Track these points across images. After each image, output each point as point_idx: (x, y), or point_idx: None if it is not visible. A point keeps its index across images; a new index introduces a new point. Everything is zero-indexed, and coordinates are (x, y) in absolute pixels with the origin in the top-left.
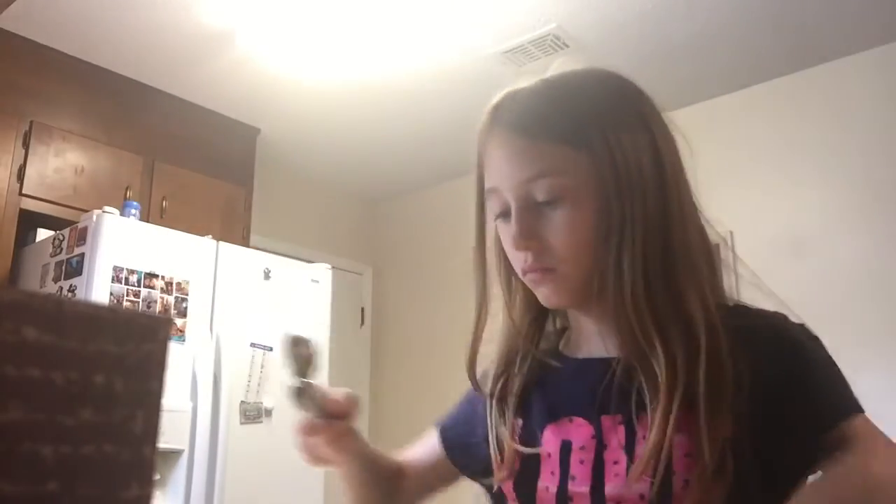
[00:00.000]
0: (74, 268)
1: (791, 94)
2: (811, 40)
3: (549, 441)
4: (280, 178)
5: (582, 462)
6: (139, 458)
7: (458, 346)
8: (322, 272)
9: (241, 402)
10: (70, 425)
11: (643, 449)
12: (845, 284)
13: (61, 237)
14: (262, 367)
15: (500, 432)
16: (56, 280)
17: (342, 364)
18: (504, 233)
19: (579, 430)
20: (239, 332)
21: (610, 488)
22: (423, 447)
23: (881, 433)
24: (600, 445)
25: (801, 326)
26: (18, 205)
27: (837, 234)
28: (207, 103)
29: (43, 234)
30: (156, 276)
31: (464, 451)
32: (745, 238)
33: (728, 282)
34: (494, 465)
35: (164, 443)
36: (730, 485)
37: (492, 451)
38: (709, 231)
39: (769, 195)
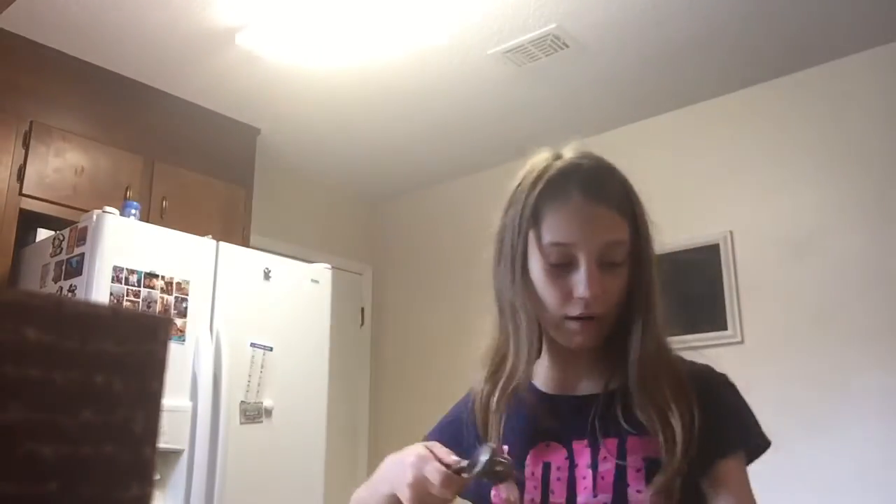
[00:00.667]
0: (74, 268)
1: (791, 94)
2: (811, 40)
3: (532, 463)
4: (280, 178)
5: (559, 479)
6: (139, 459)
7: (458, 346)
8: (322, 272)
9: (241, 402)
10: (70, 425)
11: (661, 475)
12: (845, 284)
13: (61, 237)
14: (262, 367)
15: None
16: (56, 280)
17: (342, 364)
18: (553, 280)
19: (556, 454)
20: (239, 332)
21: (581, 499)
22: None
23: (747, 485)
24: (572, 465)
25: (724, 375)
26: (18, 205)
27: (837, 233)
28: (207, 103)
29: (43, 234)
30: (156, 276)
31: None
32: (745, 238)
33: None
34: (493, 495)
35: (164, 443)
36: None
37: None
38: None
39: (768, 195)
